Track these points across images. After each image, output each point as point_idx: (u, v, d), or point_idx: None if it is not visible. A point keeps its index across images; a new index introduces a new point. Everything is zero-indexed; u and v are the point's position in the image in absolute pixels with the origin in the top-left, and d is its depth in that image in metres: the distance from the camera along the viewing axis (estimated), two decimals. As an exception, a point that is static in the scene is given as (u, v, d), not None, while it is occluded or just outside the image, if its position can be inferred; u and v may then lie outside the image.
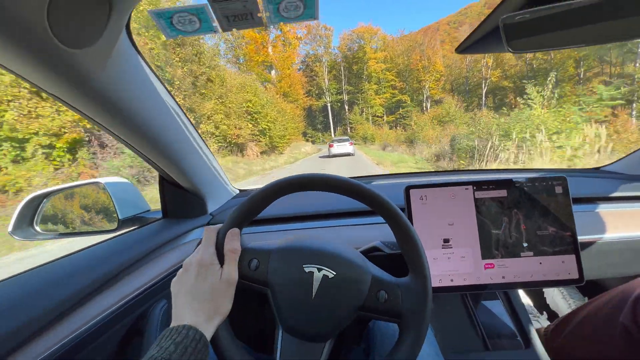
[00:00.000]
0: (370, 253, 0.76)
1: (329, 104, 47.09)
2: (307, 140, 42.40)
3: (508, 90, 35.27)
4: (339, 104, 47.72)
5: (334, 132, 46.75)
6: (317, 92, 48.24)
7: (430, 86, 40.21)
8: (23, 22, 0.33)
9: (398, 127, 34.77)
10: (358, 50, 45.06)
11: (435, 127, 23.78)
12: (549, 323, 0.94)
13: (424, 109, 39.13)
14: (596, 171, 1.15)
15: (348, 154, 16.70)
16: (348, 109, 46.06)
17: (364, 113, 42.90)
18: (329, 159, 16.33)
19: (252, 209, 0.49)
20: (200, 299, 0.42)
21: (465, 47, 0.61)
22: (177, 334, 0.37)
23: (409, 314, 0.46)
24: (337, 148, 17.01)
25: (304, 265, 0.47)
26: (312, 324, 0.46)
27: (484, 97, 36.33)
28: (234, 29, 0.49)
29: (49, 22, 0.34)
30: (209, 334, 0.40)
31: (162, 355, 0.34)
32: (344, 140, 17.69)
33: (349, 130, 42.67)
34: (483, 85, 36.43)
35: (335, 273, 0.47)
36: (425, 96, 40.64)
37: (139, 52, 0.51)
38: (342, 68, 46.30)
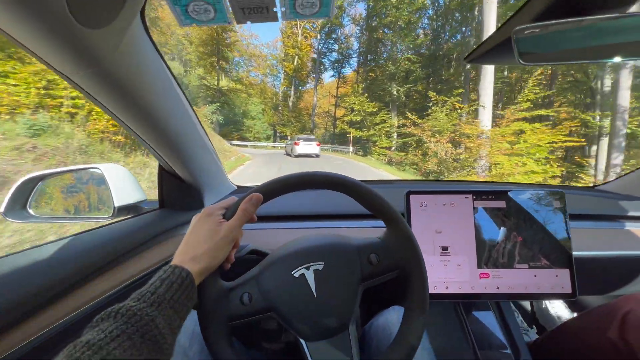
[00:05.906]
0: None
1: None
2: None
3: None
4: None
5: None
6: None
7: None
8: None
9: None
10: None
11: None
12: (537, 337, 0.94)
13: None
14: (591, 189, 1.17)
15: (313, 155, 14.59)
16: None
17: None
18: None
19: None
20: (191, 242, 0.44)
21: (475, 57, 0.61)
22: (163, 272, 0.38)
23: (404, 260, 0.47)
24: (303, 147, 14.30)
25: (292, 272, 0.47)
26: (326, 320, 0.46)
27: None
28: (248, 22, 0.49)
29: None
30: (195, 274, 0.40)
31: (149, 289, 0.36)
32: (311, 140, 14.83)
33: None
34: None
35: (323, 263, 0.48)
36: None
37: (151, 38, 0.50)
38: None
